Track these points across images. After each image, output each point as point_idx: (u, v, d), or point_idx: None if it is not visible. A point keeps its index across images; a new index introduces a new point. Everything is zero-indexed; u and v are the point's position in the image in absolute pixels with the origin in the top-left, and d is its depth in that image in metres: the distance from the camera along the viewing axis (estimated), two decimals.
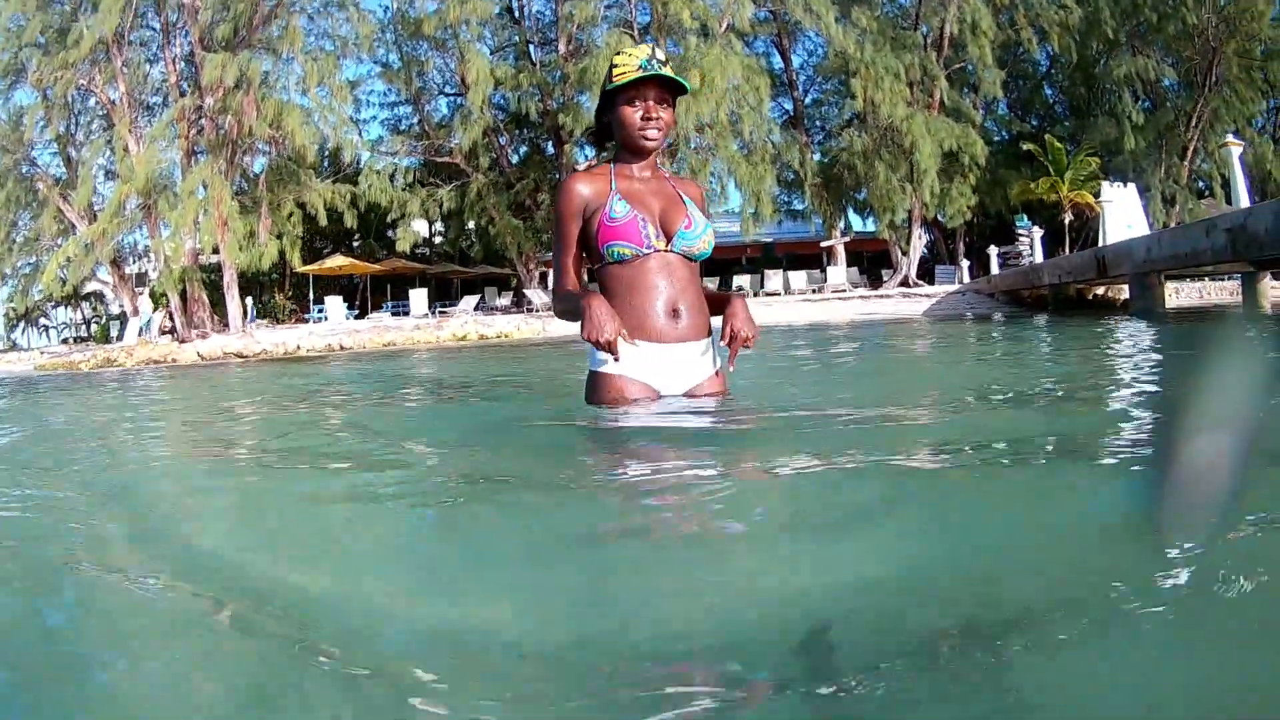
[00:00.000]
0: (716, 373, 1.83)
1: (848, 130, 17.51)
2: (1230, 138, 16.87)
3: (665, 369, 1.76)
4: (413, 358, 9.47)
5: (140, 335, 18.77)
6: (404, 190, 16.83)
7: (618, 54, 1.79)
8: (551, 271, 1.83)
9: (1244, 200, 14.74)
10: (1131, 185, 17.87)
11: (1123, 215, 17.29)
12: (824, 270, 17.71)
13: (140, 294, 20.04)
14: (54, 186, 20.18)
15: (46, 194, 20.05)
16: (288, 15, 17.89)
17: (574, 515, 1.09)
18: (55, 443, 2.67)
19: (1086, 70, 21.12)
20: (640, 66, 1.73)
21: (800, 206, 19.33)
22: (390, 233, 17.90)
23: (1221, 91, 21.15)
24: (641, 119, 1.75)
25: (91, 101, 20.82)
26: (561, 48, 16.79)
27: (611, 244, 1.72)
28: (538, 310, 15.90)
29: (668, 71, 1.74)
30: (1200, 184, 23.13)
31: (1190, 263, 8.77)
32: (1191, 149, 21.69)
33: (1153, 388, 2.34)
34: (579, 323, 1.64)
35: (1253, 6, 19.78)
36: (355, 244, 21.40)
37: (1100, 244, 16.75)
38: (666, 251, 1.74)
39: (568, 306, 1.75)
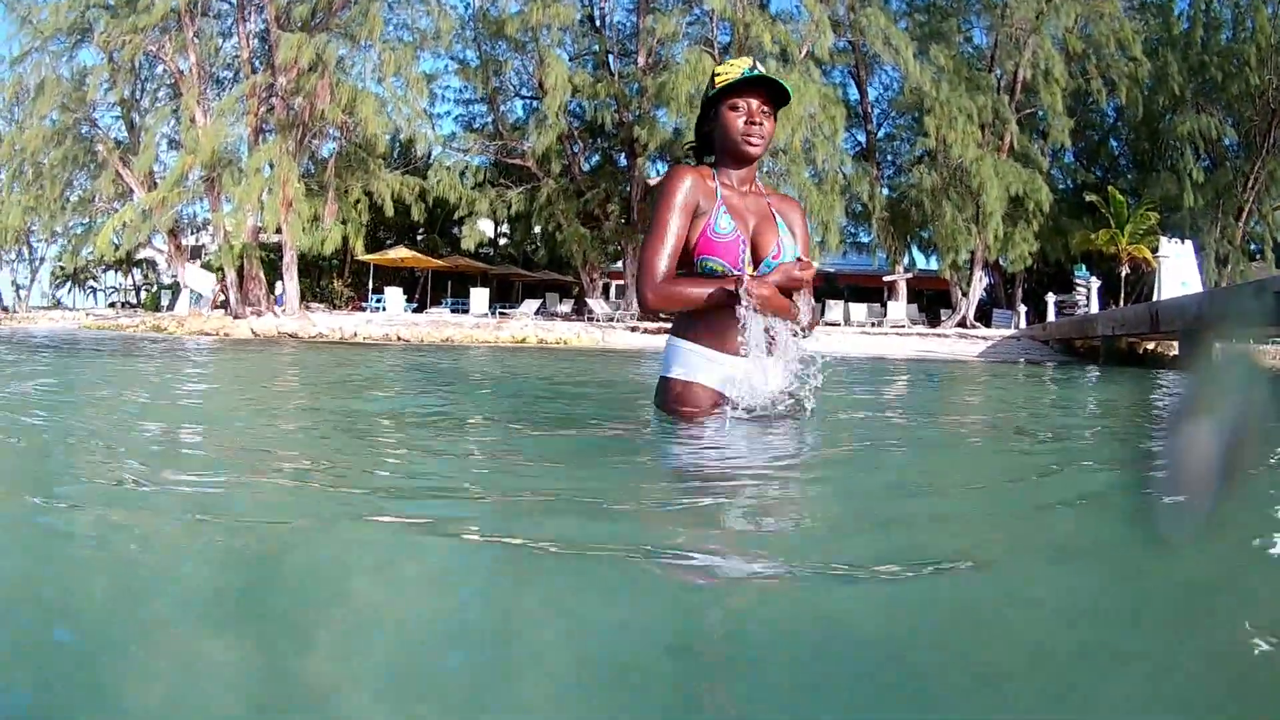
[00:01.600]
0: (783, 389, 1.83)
1: (918, 167, 17.53)
2: None
3: (739, 381, 1.77)
4: (472, 354, 9.59)
5: (192, 306, 18.91)
6: (473, 189, 16.90)
7: (719, 64, 1.81)
8: (643, 260, 1.72)
9: None
10: (1189, 243, 17.90)
11: (1178, 272, 17.33)
12: (884, 304, 17.76)
13: (194, 265, 20.13)
14: (114, 150, 20.25)
15: (106, 156, 20.12)
16: (368, 2, 17.99)
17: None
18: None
19: (1151, 125, 21.13)
20: (744, 73, 1.74)
21: (866, 239, 19.40)
22: (456, 230, 17.97)
23: (1278, 154, 21.15)
24: (745, 124, 1.75)
25: (159, 69, 20.92)
26: (641, 60, 16.85)
27: (707, 258, 1.73)
28: (599, 319, 15.95)
29: (775, 76, 1.75)
30: (1253, 246, 23.11)
31: (1239, 324, 8.81)
32: (1247, 210, 21.68)
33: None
34: (717, 303, 1.66)
35: None
36: (419, 238, 21.47)
37: (1155, 298, 16.78)
38: (753, 276, 1.73)
39: (693, 297, 1.69)
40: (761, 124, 1.75)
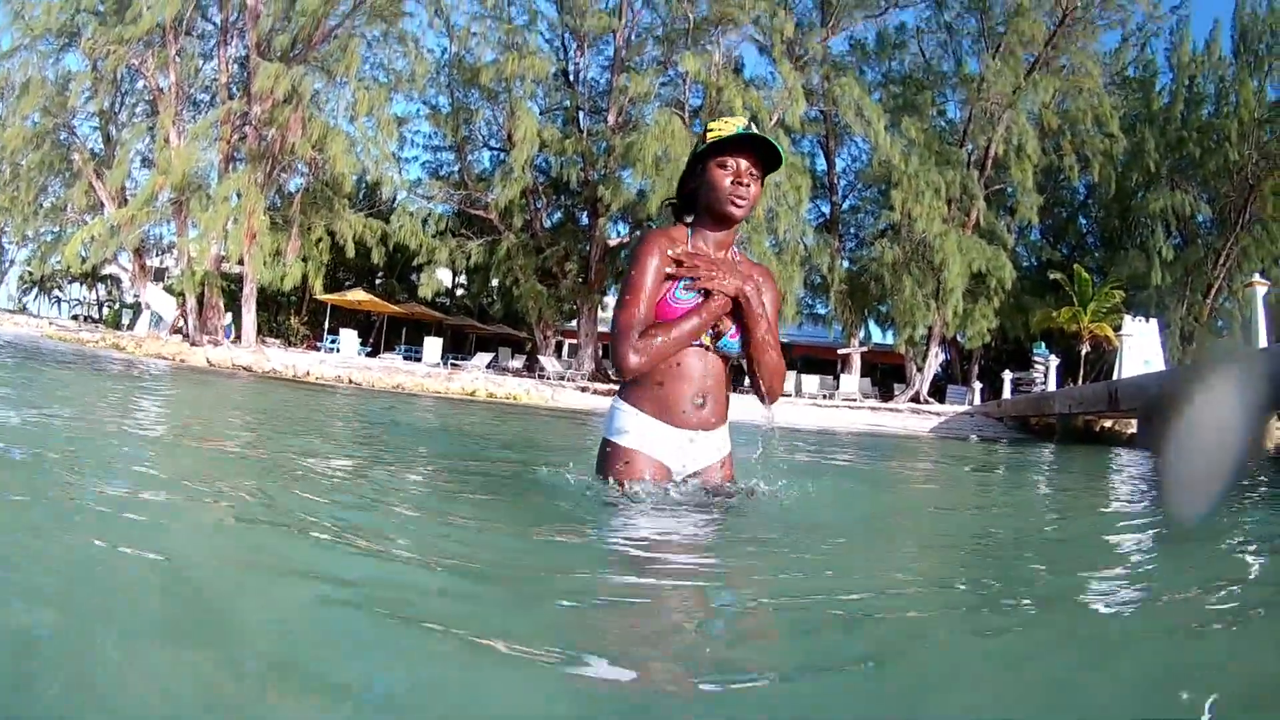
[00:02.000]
0: (723, 462, 1.83)
1: (880, 240, 17.57)
2: (1256, 277, 16.95)
3: (681, 451, 1.76)
4: (421, 404, 9.63)
5: (151, 329, 18.82)
6: (434, 237, 16.88)
7: (713, 120, 1.76)
8: (620, 322, 1.67)
9: (1263, 341, 14.73)
10: (1153, 321, 17.96)
11: (1141, 351, 17.38)
12: (837, 377, 17.78)
13: (157, 287, 20.05)
14: (89, 160, 20.17)
15: (81, 166, 20.03)
16: (348, 38, 17.97)
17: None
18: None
19: (1123, 202, 21.23)
20: (739, 130, 1.69)
21: (823, 311, 19.37)
22: (414, 276, 17.95)
23: (1253, 230, 21.23)
24: (732, 183, 1.70)
25: (140, 84, 20.87)
26: (611, 118, 16.87)
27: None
28: (549, 377, 15.93)
29: (769, 137, 1.70)
30: (1220, 323, 23.20)
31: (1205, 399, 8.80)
32: (1216, 287, 21.76)
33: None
34: (701, 329, 1.66)
35: None
36: (378, 281, 21.44)
37: (1115, 377, 16.83)
38: (708, 349, 1.74)
39: (674, 336, 1.65)
40: (749, 185, 1.71)
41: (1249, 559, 1.69)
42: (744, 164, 1.70)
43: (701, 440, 1.77)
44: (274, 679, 0.73)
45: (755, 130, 1.69)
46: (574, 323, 18.04)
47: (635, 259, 1.71)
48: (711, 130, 1.72)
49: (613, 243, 17.32)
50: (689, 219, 1.81)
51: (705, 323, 1.66)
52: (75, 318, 24.00)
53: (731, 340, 1.75)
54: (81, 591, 0.90)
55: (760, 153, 1.71)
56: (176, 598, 0.93)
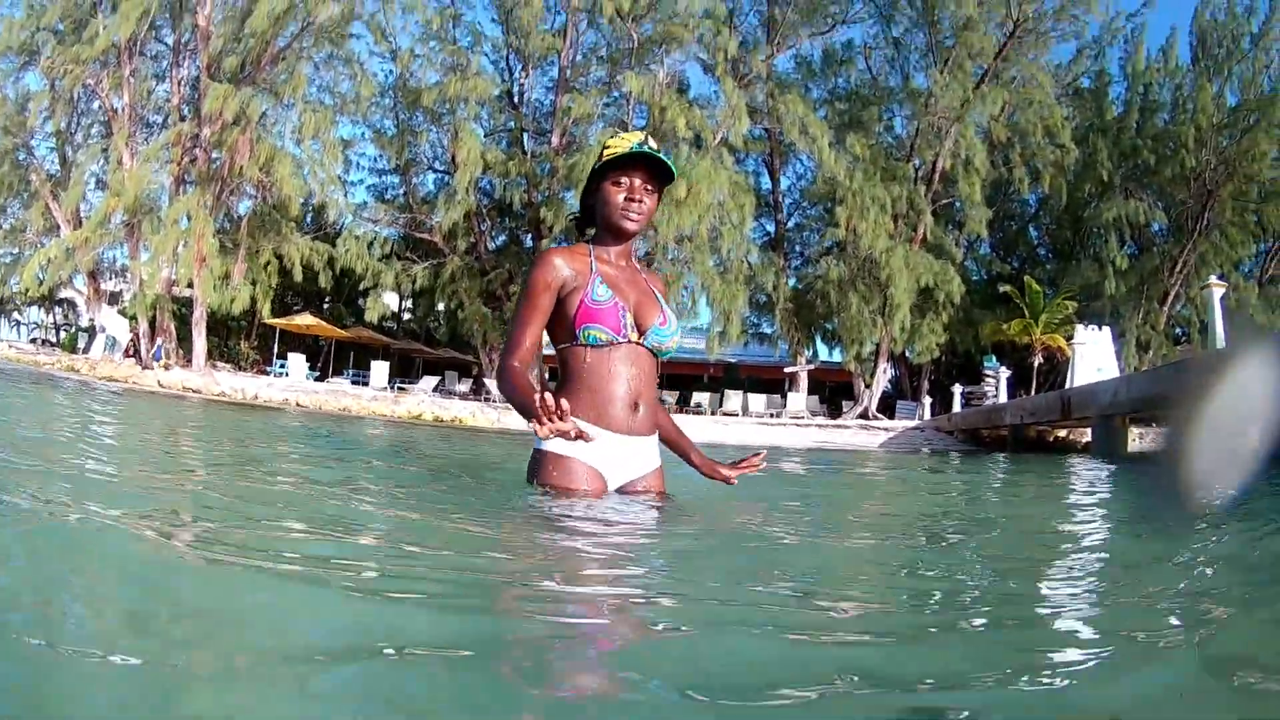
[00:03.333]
0: (657, 472, 1.84)
1: (826, 258, 17.63)
2: (1213, 279, 17.02)
3: (616, 459, 1.75)
4: (367, 426, 9.58)
5: (105, 352, 18.79)
6: (380, 260, 16.89)
7: (610, 137, 1.79)
8: (505, 343, 1.73)
9: (1222, 344, 14.77)
10: (1106, 329, 17.99)
11: (1094, 359, 17.38)
12: (784, 396, 17.84)
13: (112, 310, 20.03)
14: (46, 181, 20.14)
15: (39, 187, 20.02)
16: (296, 60, 17.98)
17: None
18: None
19: (1075, 213, 21.29)
20: (632, 148, 1.72)
21: (769, 330, 19.42)
22: (361, 300, 17.95)
23: (1211, 236, 21.23)
24: (625, 199, 1.74)
25: (95, 104, 20.84)
26: (555, 140, 16.89)
27: (589, 326, 1.71)
28: (495, 400, 15.97)
29: (659, 153, 1.72)
30: (1178, 330, 23.30)
31: (1159, 406, 8.77)
32: (1173, 294, 21.79)
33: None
34: (526, 415, 1.50)
35: (1255, 148, 19.93)
36: (326, 305, 21.40)
37: (1068, 386, 16.88)
38: (638, 344, 1.76)
39: (519, 395, 1.57)
40: (642, 200, 1.75)
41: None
42: (638, 180, 1.74)
43: (635, 446, 1.78)
44: None
45: (649, 147, 1.72)
46: None
47: (529, 276, 1.75)
48: (608, 148, 1.76)
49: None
50: (590, 232, 1.86)
51: (530, 412, 1.48)
52: (33, 340, 23.92)
53: (661, 329, 1.78)
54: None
55: (654, 167, 1.75)
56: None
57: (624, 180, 1.75)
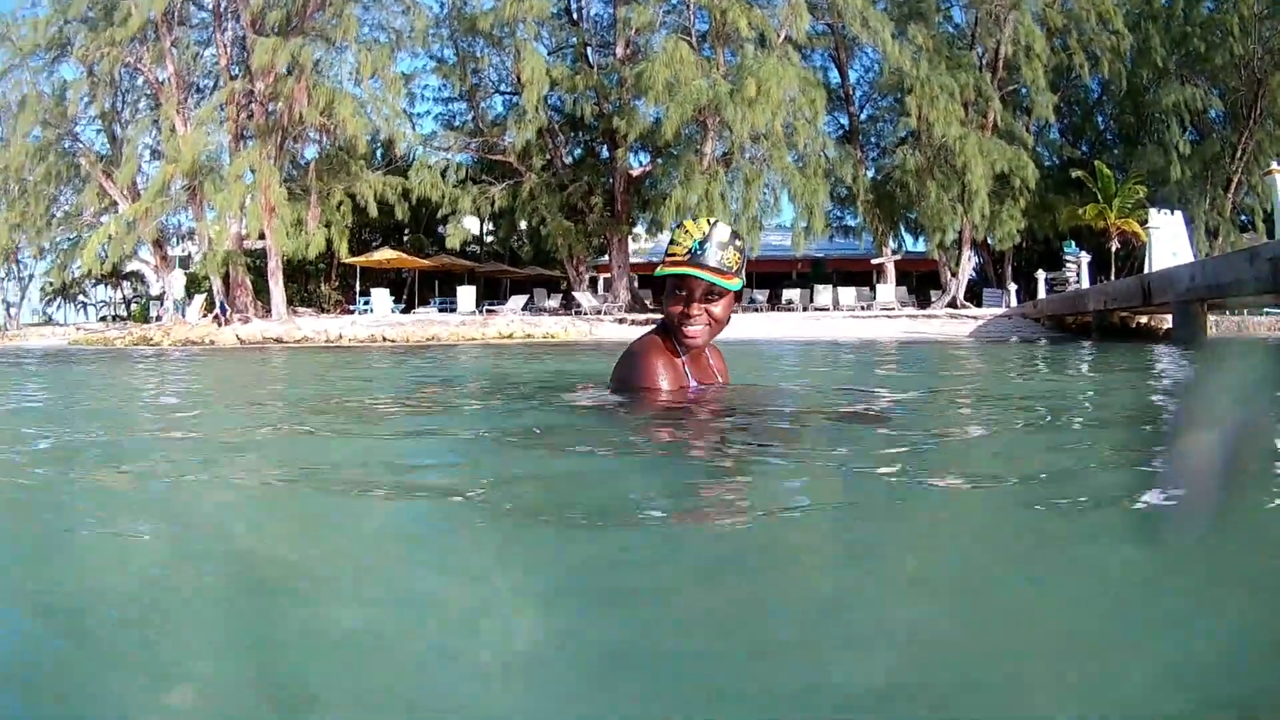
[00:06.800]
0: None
1: (902, 148, 17.42)
2: (1274, 164, 16.69)
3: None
4: (458, 352, 9.49)
5: (174, 314, 18.84)
6: (456, 187, 16.80)
7: (682, 223, 1.69)
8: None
9: None
10: (1178, 214, 17.72)
11: (1169, 243, 17.14)
12: (873, 288, 17.67)
13: (181, 274, 20.10)
14: (97, 163, 20.20)
15: (89, 170, 20.07)
16: (341, 3, 17.92)
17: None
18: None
19: (1136, 98, 21.01)
20: (689, 251, 1.62)
21: (853, 223, 19.28)
22: (441, 229, 17.88)
23: (1265, 124, 21.00)
24: (681, 314, 1.68)
25: (139, 80, 20.86)
26: (619, 51, 16.74)
27: None
28: (586, 313, 15.89)
29: (707, 275, 1.62)
30: (1243, 218, 22.98)
31: (1233, 292, 8.65)
32: (1236, 181, 21.52)
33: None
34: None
35: None
36: (405, 238, 21.40)
37: (1146, 271, 16.64)
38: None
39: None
40: (698, 317, 1.68)
41: None
42: (697, 294, 1.65)
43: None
44: None
45: (714, 243, 1.62)
46: (605, 256, 17.96)
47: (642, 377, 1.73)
48: (675, 243, 1.66)
49: (635, 172, 17.20)
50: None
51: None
52: (104, 319, 24.02)
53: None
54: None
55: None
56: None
57: (680, 291, 1.66)
